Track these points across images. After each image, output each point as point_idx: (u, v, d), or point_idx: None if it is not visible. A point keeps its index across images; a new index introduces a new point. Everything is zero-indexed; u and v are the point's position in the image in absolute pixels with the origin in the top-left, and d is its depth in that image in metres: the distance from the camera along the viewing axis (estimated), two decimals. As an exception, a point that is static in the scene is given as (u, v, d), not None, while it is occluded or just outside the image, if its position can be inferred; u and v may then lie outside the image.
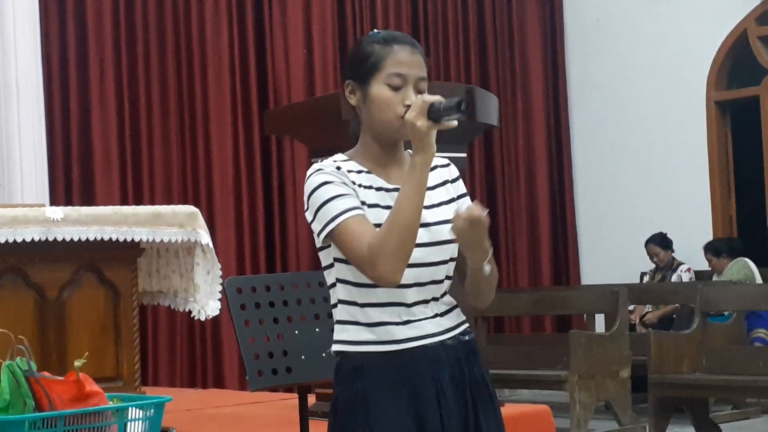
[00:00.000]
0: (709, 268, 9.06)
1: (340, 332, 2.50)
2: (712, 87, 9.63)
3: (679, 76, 9.73)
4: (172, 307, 4.81)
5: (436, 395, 2.45)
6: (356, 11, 9.29)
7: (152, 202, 7.68)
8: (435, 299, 2.51)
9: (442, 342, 2.48)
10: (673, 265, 9.18)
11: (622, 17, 10.15)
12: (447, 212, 2.51)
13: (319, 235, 2.46)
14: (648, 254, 9.26)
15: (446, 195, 2.55)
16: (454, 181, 2.60)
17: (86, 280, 4.46)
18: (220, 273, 4.64)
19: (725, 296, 7.64)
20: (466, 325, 2.57)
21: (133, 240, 4.46)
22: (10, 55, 7.21)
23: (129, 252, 4.53)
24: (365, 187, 2.48)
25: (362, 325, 2.46)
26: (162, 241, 4.51)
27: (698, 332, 7.39)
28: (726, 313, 8.03)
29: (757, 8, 9.34)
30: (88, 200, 7.56)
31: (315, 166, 2.49)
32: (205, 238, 4.56)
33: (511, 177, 10.31)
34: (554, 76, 10.58)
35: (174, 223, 4.52)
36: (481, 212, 2.36)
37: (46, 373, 2.74)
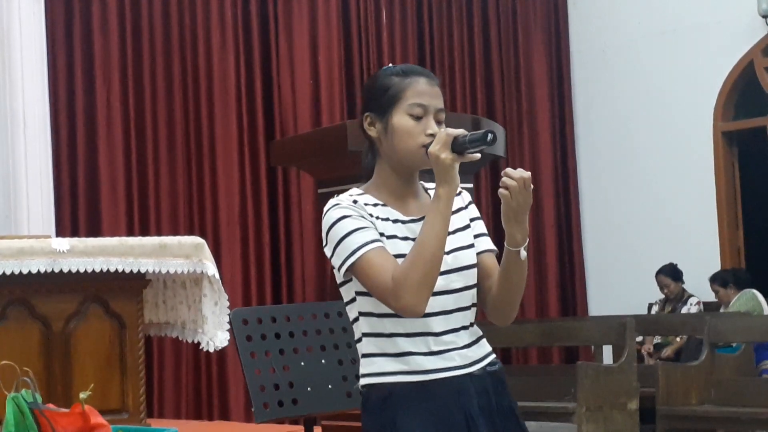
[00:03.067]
0: (716, 300, 9.03)
1: (366, 366, 2.50)
2: (718, 118, 9.63)
3: (686, 107, 9.73)
4: (180, 339, 4.79)
5: (466, 424, 2.45)
6: (362, 43, 9.32)
7: (158, 233, 7.67)
8: (464, 328, 2.52)
9: (469, 373, 2.49)
10: (683, 297, 9.14)
11: (628, 48, 10.17)
12: (464, 238, 2.55)
13: (339, 269, 2.46)
14: (658, 285, 9.22)
15: (461, 222, 2.58)
16: (466, 206, 2.63)
17: (92, 311, 4.46)
18: (228, 304, 4.63)
19: (733, 328, 7.62)
20: (493, 356, 2.58)
21: (139, 271, 4.46)
22: (17, 86, 7.23)
23: (135, 283, 4.53)
24: (382, 219, 2.49)
25: (390, 356, 2.46)
26: (168, 272, 4.50)
27: (706, 364, 7.36)
28: (734, 345, 8.00)
29: (763, 39, 9.35)
30: (95, 231, 7.55)
31: (331, 201, 2.51)
32: (212, 269, 4.55)
33: (518, 208, 10.28)
34: (560, 106, 10.59)
35: (180, 255, 4.52)
36: (524, 177, 2.41)
37: (51, 405, 2.73)
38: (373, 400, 2.48)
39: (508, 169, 2.41)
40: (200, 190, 8.31)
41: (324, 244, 2.51)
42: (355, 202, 2.49)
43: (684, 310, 9.02)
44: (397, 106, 2.50)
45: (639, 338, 8.49)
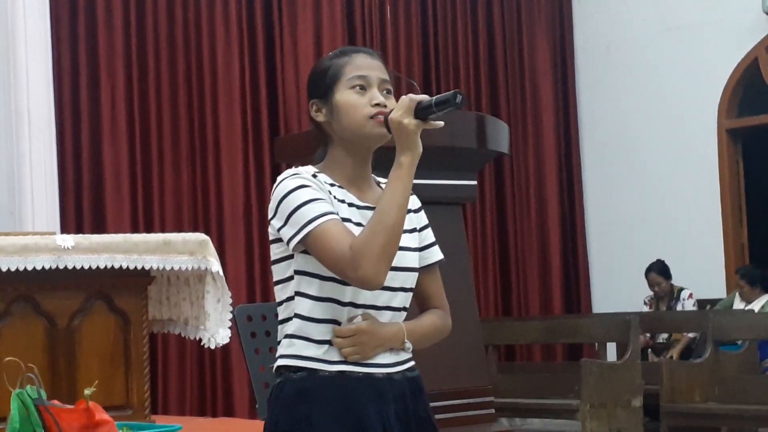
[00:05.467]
0: (715, 296, 9.01)
1: (287, 347, 2.42)
2: (723, 115, 9.62)
3: (690, 104, 9.72)
4: (183, 335, 4.80)
5: (383, 431, 2.38)
6: (366, 40, 9.32)
7: (163, 230, 7.67)
8: None
9: (389, 375, 2.42)
10: (674, 294, 9.07)
11: (632, 45, 10.17)
12: (410, 240, 2.47)
13: (290, 240, 2.37)
14: (649, 283, 9.14)
15: (408, 224, 2.49)
16: (416, 211, 2.56)
17: (96, 308, 4.45)
18: (230, 301, 4.63)
19: (737, 325, 7.63)
20: (413, 362, 2.50)
21: (143, 268, 4.46)
22: (22, 82, 7.24)
23: (139, 280, 4.53)
24: (338, 200, 2.42)
25: (314, 342, 2.39)
26: (172, 269, 4.51)
27: (710, 361, 7.36)
28: (739, 342, 7.99)
29: (767, 36, 9.34)
30: (99, 228, 7.56)
31: (289, 171, 2.44)
32: (216, 266, 4.55)
33: (522, 204, 10.30)
34: (564, 103, 10.58)
35: (184, 251, 4.52)
36: (352, 327, 2.36)
37: (56, 402, 2.73)
38: (287, 393, 2.39)
39: (335, 330, 2.38)
40: (204, 186, 8.32)
41: (271, 215, 2.41)
42: (315, 176, 2.42)
43: (679, 307, 8.98)
44: (338, 84, 2.45)
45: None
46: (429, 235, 2.57)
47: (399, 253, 2.41)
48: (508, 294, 10.15)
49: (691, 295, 8.98)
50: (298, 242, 2.36)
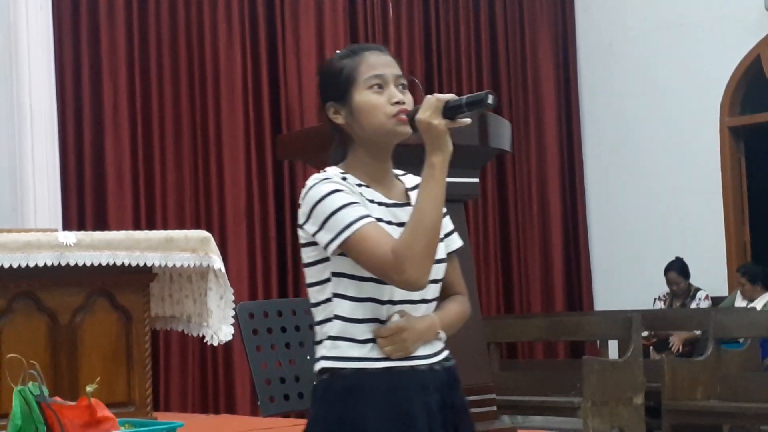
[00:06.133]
0: (717, 294, 9.00)
1: (331, 348, 2.43)
2: (725, 112, 9.61)
3: (693, 102, 9.71)
4: (185, 332, 4.80)
5: (428, 421, 2.42)
6: (369, 38, 9.31)
7: (165, 227, 7.68)
8: None
9: (430, 366, 2.46)
10: (690, 292, 9.08)
11: (634, 42, 10.16)
12: None
13: (328, 245, 2.38)
14: (668, 281, 9.14)
15: None
16: None
17: (98, 305, 4.46)
18: (233, 298, 4.63)
19: (739, 323, 7.62)
20: (448, 351, 2.54)
21: (145, 265, 4.47)
22: (24, 79, 7.24)
23: (141, 277, 4.53)
24: (368, 200, 2.44)
25: (358, 342, 2.41)
26: (174, 266, 4.51)
27: (712, 359, 7.36)
28: (740, 340, 7.99)
29: (770, 34, 9.33)
30: (101, 225, 7.56)
31: (319, 175, 2.43)
32: (218, 263, 4.56)
33: (524, 202, 10.29)
34: (567, 101, 10.57)
35: (186, 248, 4.52)
36: (392, 326, 2.39)
37: (57, 398, 2.74)
38: (335, 390, 2.41)
39: (376, 331, 2.41)
40: (207, 184, 8.32)
41: (303, 220, 2.42)
42: (344, 178, 2.43)
43: (693, 305, 8.98)
44: (355, 85, 2.45)
45: (644, 333, 8.45)
46: (448, 224, 2.58)
47: None
48: (510, 291, 10.14)
49: (707, 297, 8.97)
50: (337, 247, 2.38)
